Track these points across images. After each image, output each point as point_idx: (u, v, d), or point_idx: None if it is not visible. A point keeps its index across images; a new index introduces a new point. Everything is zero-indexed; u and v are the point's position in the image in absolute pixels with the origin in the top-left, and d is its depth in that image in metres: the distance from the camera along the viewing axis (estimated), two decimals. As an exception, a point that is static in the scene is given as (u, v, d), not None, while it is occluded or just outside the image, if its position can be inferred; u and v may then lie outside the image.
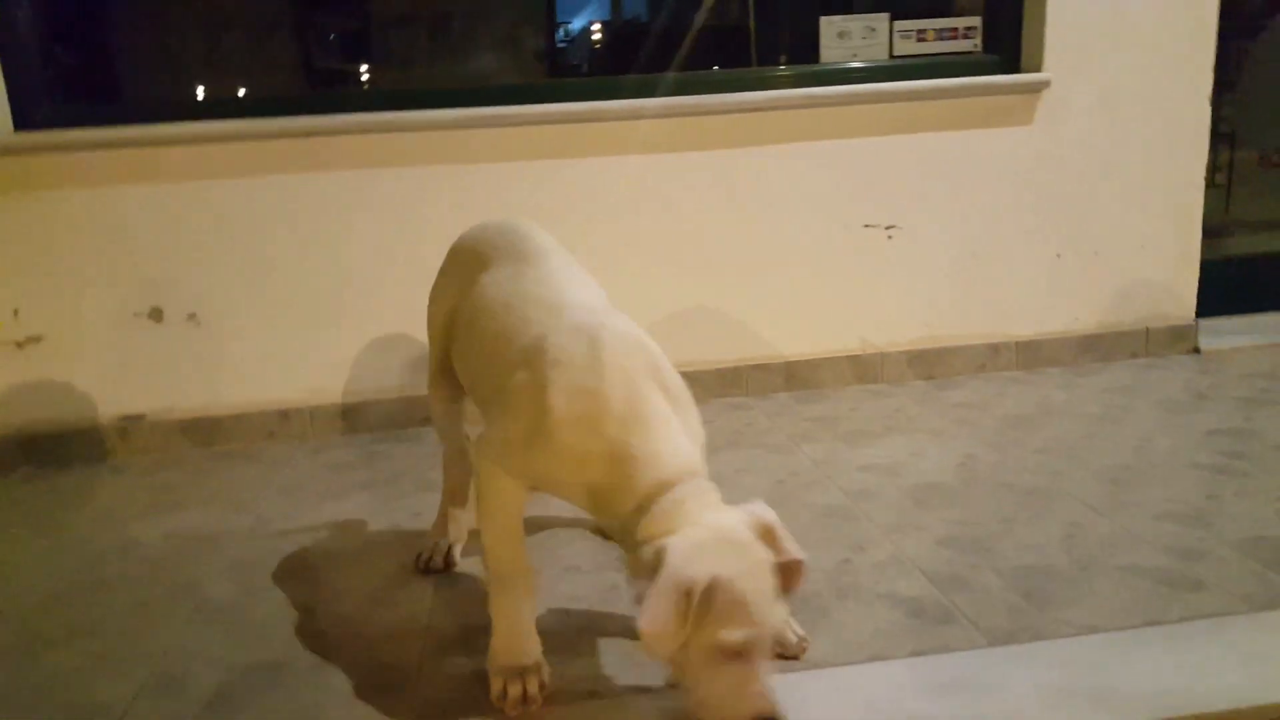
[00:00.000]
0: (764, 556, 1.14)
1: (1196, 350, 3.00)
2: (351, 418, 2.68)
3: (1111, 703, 1.22)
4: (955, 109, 2.79)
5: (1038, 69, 2.78)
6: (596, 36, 3.09)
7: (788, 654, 1.37)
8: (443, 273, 1.66)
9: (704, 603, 1.08)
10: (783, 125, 2.73)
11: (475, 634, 1.50)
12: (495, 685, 1.30)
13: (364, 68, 2.94)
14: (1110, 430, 2.33)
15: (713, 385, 2.83)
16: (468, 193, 2.63)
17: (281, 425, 2.66)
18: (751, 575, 1.11)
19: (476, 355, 1.43)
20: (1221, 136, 4.53)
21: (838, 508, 1.95)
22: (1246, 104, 4.44)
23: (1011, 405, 2.59)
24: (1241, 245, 3.48)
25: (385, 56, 2.96)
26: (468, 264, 1.56)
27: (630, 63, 2.78)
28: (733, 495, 1.94)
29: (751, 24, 2.98)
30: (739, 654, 1.09)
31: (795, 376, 2.86)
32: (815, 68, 2.82)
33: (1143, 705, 1.21)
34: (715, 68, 2.82)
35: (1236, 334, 3.08)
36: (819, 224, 2.80)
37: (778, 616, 1.14)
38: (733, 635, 1.08)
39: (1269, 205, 3.76)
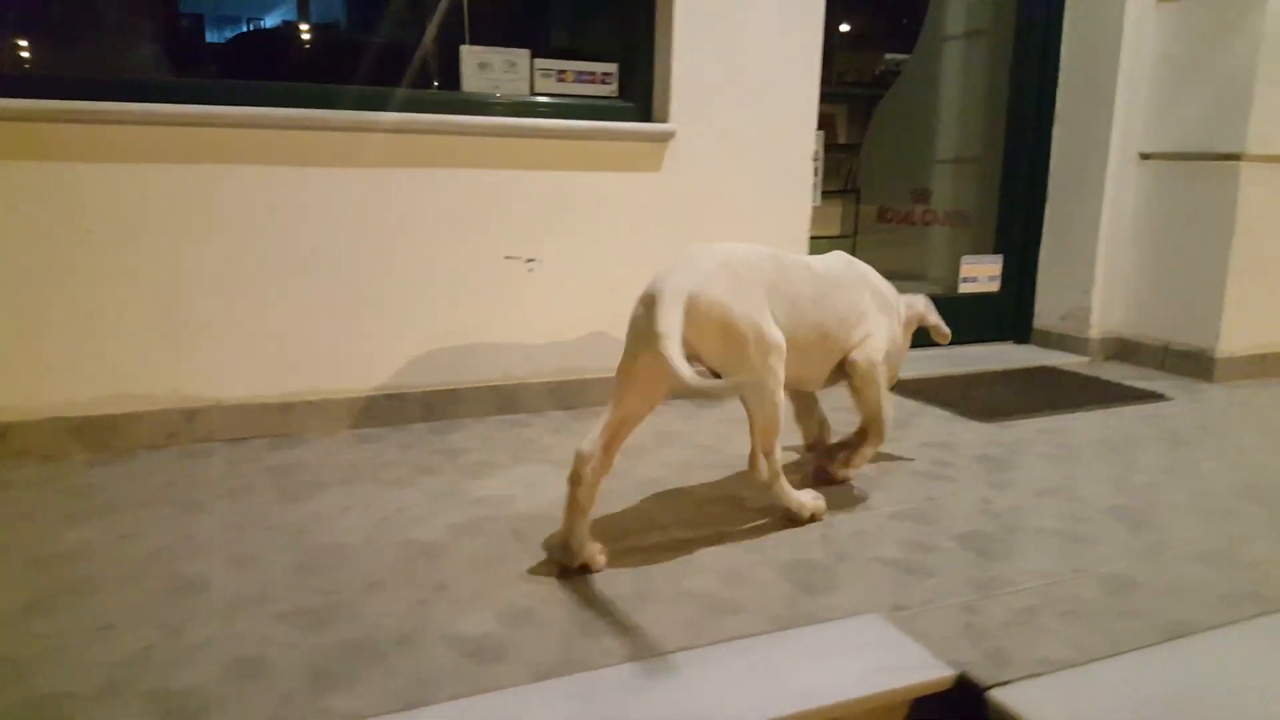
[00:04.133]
0: None
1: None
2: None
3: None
4: (591, 150, 2.91)
5: (665, 119, 2.96)
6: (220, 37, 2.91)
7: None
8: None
9: None
10: (423, 150, 2.71)
11: None
12: None
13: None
14: (714, 460, 2.50)
15: (344, 416, 2.72)
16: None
17: None
18: None
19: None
20: (849, 193, 5.12)
21: (433, 544, 1.93)
22: (869, 163, 5.04)
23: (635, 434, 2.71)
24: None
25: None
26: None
27: (258, 67, 2.63)
28: (326, 535, 1.91)
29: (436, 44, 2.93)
30: None
31: (435, 408, 2.83)
32: (461, 95, 2.83)
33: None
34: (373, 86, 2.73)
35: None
36: (461, 253, 2.80)
37: None
38: None
39: (887, 256, 4.26)
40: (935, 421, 2.92)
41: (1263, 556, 1.97)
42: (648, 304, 1.75)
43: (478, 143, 2.78)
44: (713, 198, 3.07)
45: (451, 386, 2.85)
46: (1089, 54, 3.76)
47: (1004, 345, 4.05)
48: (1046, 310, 4.02)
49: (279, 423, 2.64)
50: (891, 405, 2.27)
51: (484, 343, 2.87)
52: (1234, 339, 3.50)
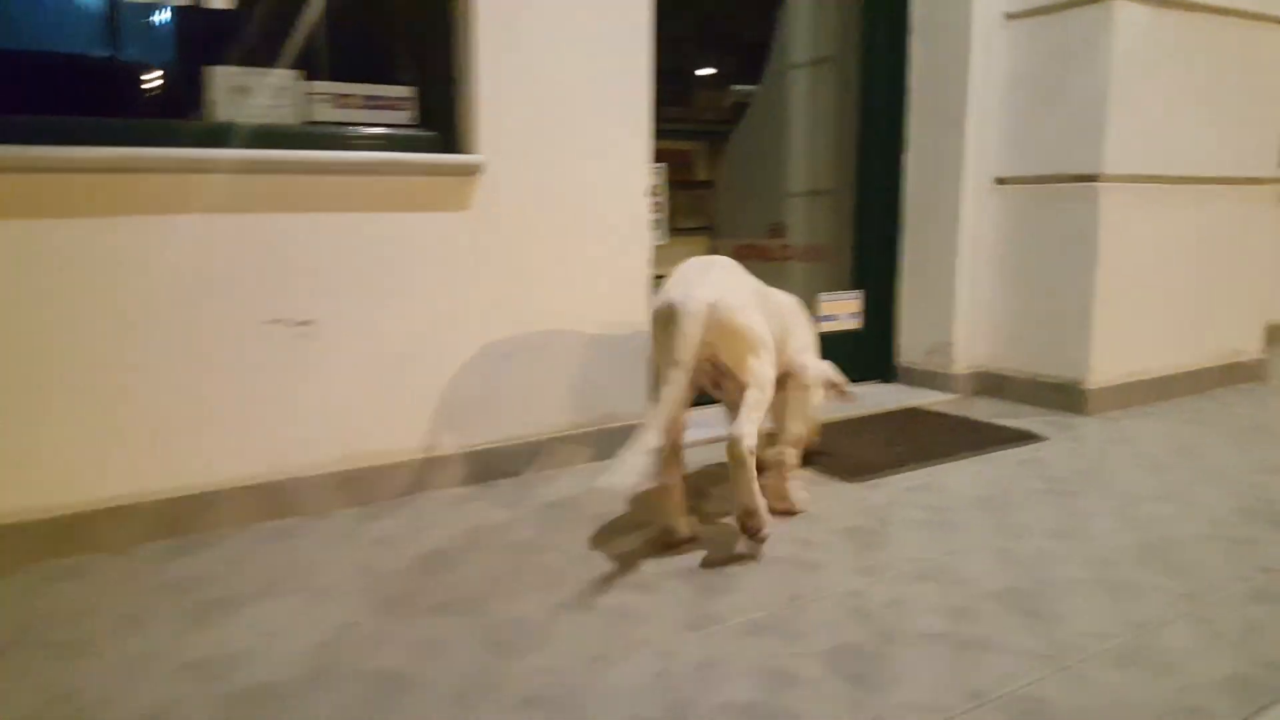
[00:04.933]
0: None
1: (651, 449, 2.87)
2: None
3: None
4: (379, 188, 2.41)
5: (471, 150, 2.49)
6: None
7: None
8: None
9: None
10: (149, 193, 2.14)
11: None
12: None
13: None
14: (536, 562, 2.01)
15: (38, 544, 2.08)
16: None
17: None
18: None
19: None
20: (709, 229, 4.79)
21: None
22: (724, 199, 4.70)
23: (439, 535, 2.20)
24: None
25: None
26: None
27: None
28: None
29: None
30: None
31: (173, 519, 2.22)
32: (204, 124, 2.28)
33: None
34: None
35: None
36: (206, 317, 2.23)
37: None
38: None
39: None
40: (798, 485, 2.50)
41: (1183, 649, 1.62)
42: (667, 319, 2.00)
43: (226, 181, 2.23)
44: (534, 239, 2.62)
45: (199, 490, 2.25)
46: (937, 76, 3.51)
47: (870, 385, 3.72)
48: (910, 346, 3.73)
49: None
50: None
51: (241, 428, 2.30)
52: (1104, 368, 3.27)
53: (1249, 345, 3.76)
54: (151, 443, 2.19)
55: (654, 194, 3.13)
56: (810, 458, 2.70)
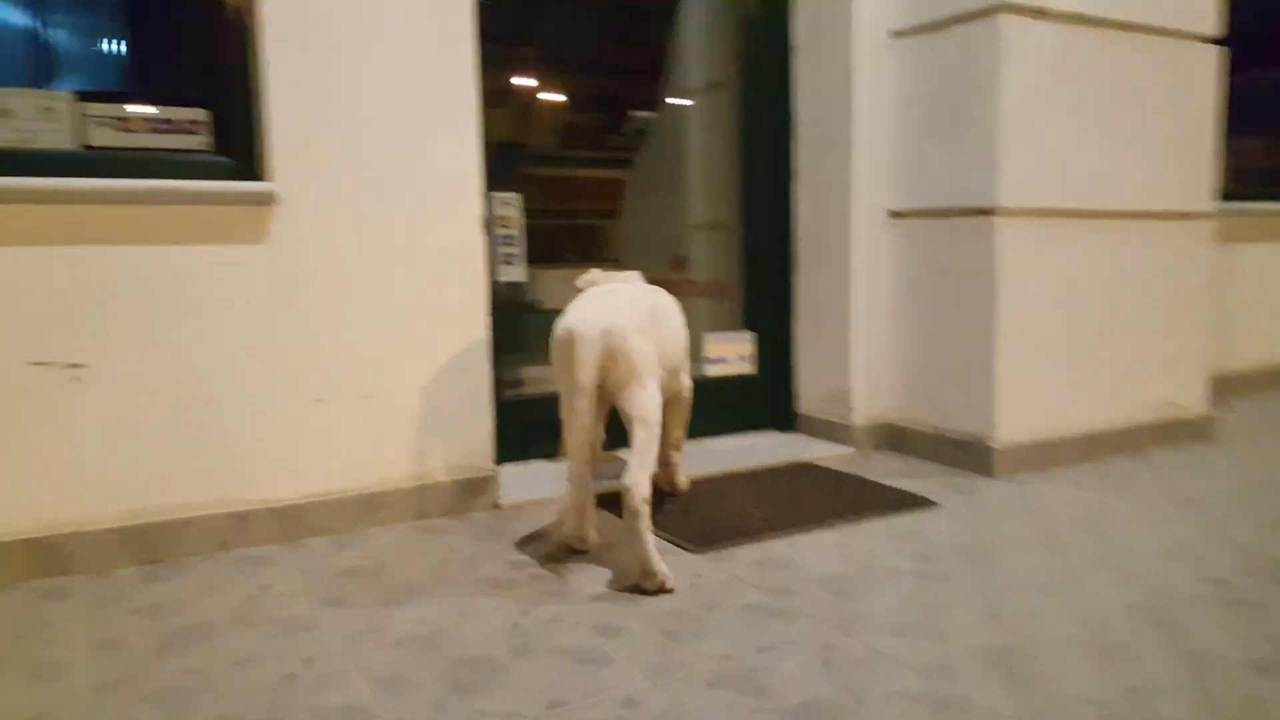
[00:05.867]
0: None
1: (498, 505, 2.62)
2: None
3: None
4: (163, 218, 2.19)
5: (265, 177, 2.26)
6: None
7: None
8: None
9: None
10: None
11: None
12: None
13: None
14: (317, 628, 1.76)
15: None
16: None
17: None
18: None
19: None
20: (611, 261, 4.53)
21: None
22: (627, 229, 4.45)
23: (215, 604, 1.95)
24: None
25: None
26: None
27: None
28: None
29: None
30: None
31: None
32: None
33: None
34: None
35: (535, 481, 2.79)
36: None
37: None
38: None
39: None
40: (619, 559, 2.24)
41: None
42: (564, 344, 2.11)
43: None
44: (342, 274, 2.38)
45: (-51, 548, 2.01)
46: (822, 100, 3.29)
47: (764, 435, 3.47)
48: (808, 393, 3.47)
49: None
50: None
51: (7, 482, 2.06)
52: (1013, 423, 3.00)
53: (1189, 399, 3.46)
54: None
55: (503, 226, 2.91)
56: (665, 520, 2.44)
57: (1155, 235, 3.25)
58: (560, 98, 3.73)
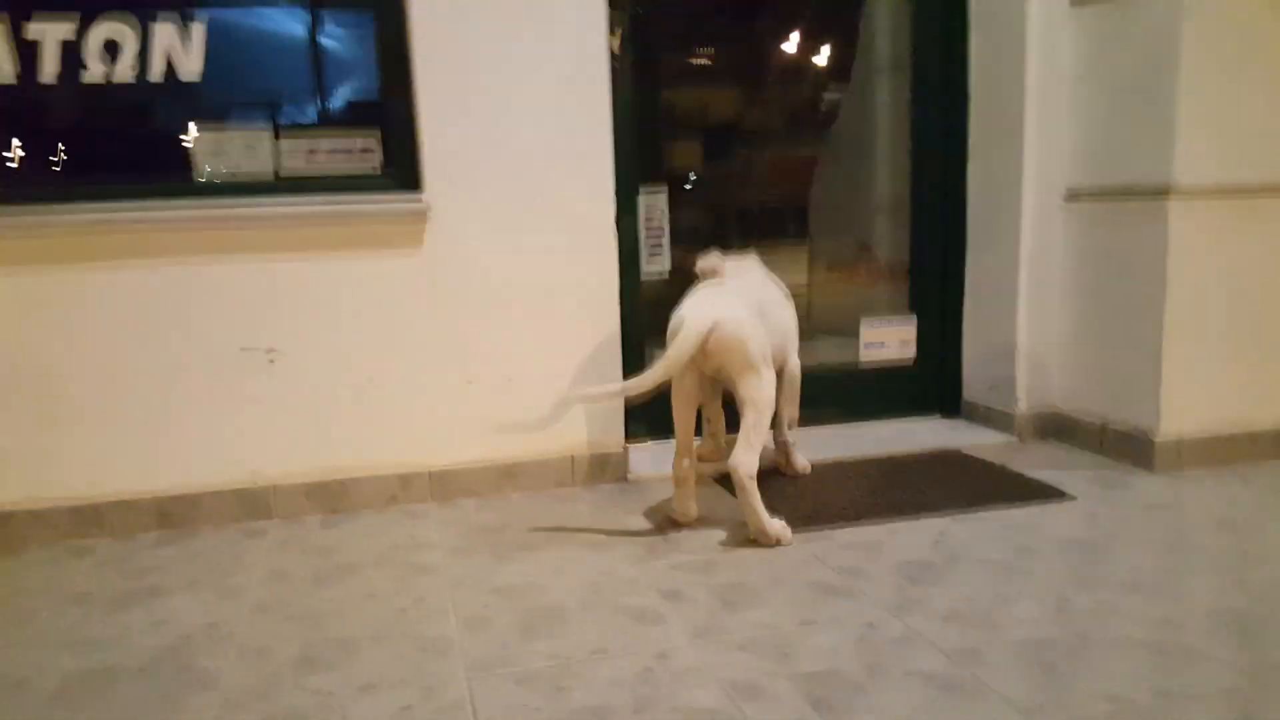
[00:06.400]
0: None
1: (625, 479, 2.86)
2: None
3: None
4: (339, 231, 2.62)
5: (418, 191, 2.63)
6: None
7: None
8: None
9: None
10: (147, 244, 2.49)
11: None
12: None
13: None
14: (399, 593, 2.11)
15: (64, 526, 2.50)
16: None
17: None
18: None
19: None
20: (797, 241, 4.57)
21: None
22: (816, 211, 4.48)
23: (369, 547, 2.37)
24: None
25: None
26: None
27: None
28: None
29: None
30: None
31: (169, 514, 2.57)
32: (184, 184, 2.59)
33: None
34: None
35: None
36: (190, 347, 2.55)
37: None
38: None
39: (838, 310, 3.73)
40: (714, 533, 2.40)
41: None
42: (674, 331, 2.29)
43: (209, 233, 2.54)
44: (484, 276, 2.72)
45: (188, 491, 2.58)
46: (995, 76, 3.16)
47: (927, 421, 3.42)
48: (974, 380, 3.38)
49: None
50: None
51: (222, 441, 2.60)
52: (1180, 417, 2.78)
53: None
54: (150, 448, 2.55)
55: (649, 221, 3.11)
56: (776, 501, 2.56)
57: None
58: (757, 74, 3.82)
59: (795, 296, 2.78)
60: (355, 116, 2.79)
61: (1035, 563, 2.15)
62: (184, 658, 1.83)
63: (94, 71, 2.47)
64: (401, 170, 2.66)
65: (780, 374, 2.68)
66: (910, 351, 3.43)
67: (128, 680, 1.75)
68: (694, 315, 2.28)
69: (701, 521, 2.47)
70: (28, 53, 2.43)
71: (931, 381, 3.45)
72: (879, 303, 3.59)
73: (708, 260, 2.75)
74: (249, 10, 2.67)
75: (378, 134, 2.70)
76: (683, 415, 2.41)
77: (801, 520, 2.45)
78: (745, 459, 2.25)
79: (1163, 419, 2.77)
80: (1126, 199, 2.84)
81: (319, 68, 2.78)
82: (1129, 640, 1.76)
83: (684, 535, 2.40)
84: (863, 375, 3.42)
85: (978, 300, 3.32)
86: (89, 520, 2.52)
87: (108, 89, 2.50)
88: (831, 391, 3.36)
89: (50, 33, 2.44)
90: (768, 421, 2.34)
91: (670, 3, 3.25)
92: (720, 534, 2.38)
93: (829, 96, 4.31)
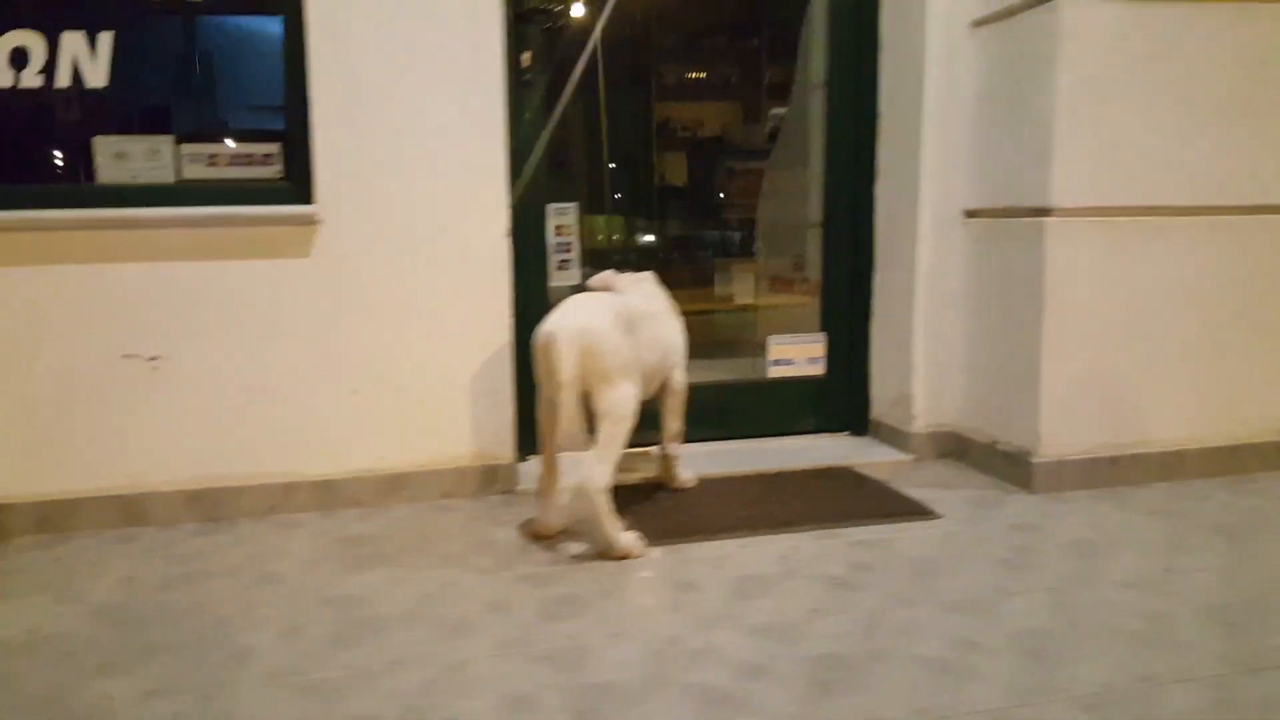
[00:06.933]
0: None
1: (514, 490, 2.88)
2: None
3: None
4: (228, 237, 2.66)
5: (310, 201, 2.67)
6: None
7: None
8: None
9: None
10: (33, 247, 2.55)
11: None
12: None
13: None
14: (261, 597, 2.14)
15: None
16: None
17: None
18: None
19: None
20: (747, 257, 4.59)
21: None
22: (763, 227, 4.49)
23: (229, 557, 2.40)
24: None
25: None
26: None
27: None
28: None
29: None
30: None
31: (47, 519, 2.62)
32: (74, 187, 2.65)
33: None
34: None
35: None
36: (71, 353, 2.60)
37: None
38: None
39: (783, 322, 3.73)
40: (573, 546, 2.41)
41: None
42: (545, 346, 2.29)
43: (101, 236, 2.60)
44: (372, 285, 2.75)
45: (65, 496, 2.63)
46: (898, 95, 3.17)
47: (834, 438, 3.42)
48: (879, 397, 3.38)
49: None
50: None
51: (103, 447, 2.65)
52: (1061, 438, 2.77)
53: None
54: (28, 451, 2.60)
55: (559, 234, 3.14)
56: (641, 513, 2.57)
57: (1257, 233, 2.83)
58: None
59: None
60: (259, 122, 2.83)
61: (868, 579, 2.15)
62: (-2, 658, 1.87)
63: (2, 78, 2.55)
64: (302, 179, 2.70)
65: (664, 388, 2.71)
66: (819, 368, 3.43)
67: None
68: (561, 328, 2.28)
69: (567, 534, 2.48)
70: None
71: (841, 399, 3.44)
72: (799, 319, 3.59)
73: (600, 277, 2.79)
74: (159, 17, 2.73)
75: (279, 143, 2.75)
76: (547, 427, 2.42)
77: (665, 534, 2.47)
78: (595, 471, 2.25)
79: (1042, 439, 2.76)
80: (1012, 217, 2.84)
81: (221, 74, 2.83)
82: (916, 659, 1.75)
83: (541, 548, 2.42)
84: (773, 391, 3.42)
85: (882, 318, 3.32)
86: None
87: (12, 95, 2.56)
88: (740, 406, 3.37)
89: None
90: (624, 435, 2.33)
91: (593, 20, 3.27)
92: (579, 547, 2.39)
93: (774, 112, 4.31)
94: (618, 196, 4.88)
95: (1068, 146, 2.66)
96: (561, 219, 3.21)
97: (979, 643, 1.82)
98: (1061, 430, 2.76)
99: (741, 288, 4.28)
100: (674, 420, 2.79)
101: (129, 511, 2.67)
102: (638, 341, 2.44)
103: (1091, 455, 2.78)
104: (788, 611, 1.98)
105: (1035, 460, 2.76)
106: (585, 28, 3.17)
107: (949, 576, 2.15)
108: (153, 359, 2.66)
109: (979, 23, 2.98)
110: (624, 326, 2.39)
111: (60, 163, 2.73)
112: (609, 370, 2.30)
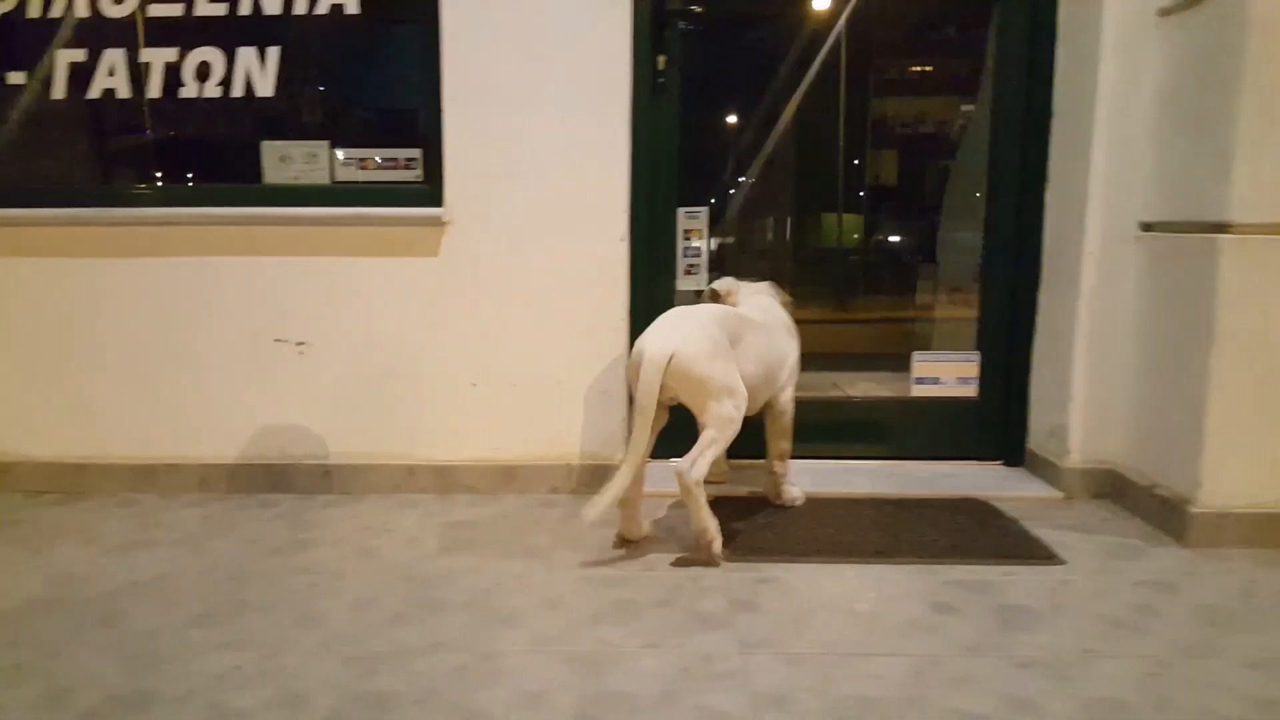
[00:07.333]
0: None
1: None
2: None
3: None
4: (369, 236, 2.87)
5: (441, 205, 2.82)
6: None
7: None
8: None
9: None
10: (210, 240, 2.88)
11: None
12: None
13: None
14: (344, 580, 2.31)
15: (126, 479, 2.94)
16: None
17: None
18: None
19: None
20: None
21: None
22: (945, 233, 4.23)
23: (352, 526, 2.59)
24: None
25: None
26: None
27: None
28: None
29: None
30: None
31: (208, 480, 2.94)
32: (242, 187, 2.95)
33: None
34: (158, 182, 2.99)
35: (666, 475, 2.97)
36: (230, 335, 2.91)
37: None
38: None
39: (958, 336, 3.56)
40: (652, 555, 2.38)
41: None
42: (635, 366, 2.28)
43: (262, 232, 2.89)
44: (493, 285, 2.87)
45: (227, 462, 2.94)
46: (1071, 94, 2.88)
47: (982, 466, 3.15)
48: (1036, 426, 3.08)
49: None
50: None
51: (256, 422, 2.94)
52: (1226, 487, 2.40)
53: None
54: (194, 422, 2.94)
55: (688, 239, 3.13)
56: (734, 526, 2.51)
57: None
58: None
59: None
60: (404, 131, 3.02)
61: (945, 622, 1.97)
62: None
63: (190, 89, 2.89)
64: (437, 182, 2.85)
65: (770, 405, 2.64)
66: (970, 389, 3.19)
67: None
68: (652, 349, 2.26)
69: (651, 541, 2.46)
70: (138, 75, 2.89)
71: (996, 425, 3.17)
72: (944, 337, 3.35)
73: (721, 284, 2.76)
74: (318, 32, 2.98)
75: (421, 149, 2.92)
76: (639, 438, 2.33)
77: (748, 550, 2.39)
78: (691, 464, 2.24)
79: (1203, 487, 2.40)
80: (1186, 234, 2.50)
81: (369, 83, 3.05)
82: (954, 712, 1.59)
83: (626, 552, 2.41)
84: (918, 411, 3.21)
85: (1044, 340, 3.02)
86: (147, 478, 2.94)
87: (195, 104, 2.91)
88: (882, 423, 3.20)
89: (157, 56, 2.89)
90: (725, 441, 2.30)
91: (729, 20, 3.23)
92: (658, 556, 2.36)
93: (964, 109, 4.05)
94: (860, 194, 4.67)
95: (1252, 153, 2.31)
96: (692, 223, 3.18)
97: (1039, 706, 1.61)
98: (1226, 478, 2.39)
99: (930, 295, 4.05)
100: (780, 440, 2.70)
101: (275, 479, 2.94)
102: (740, 354, 2.38)
103: (1260, 509, 2.39)
104: (840, 646, 1.85)
105: (1192, 510, 2.41)
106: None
107: (1037, 630, 1.92)
108: (299, 344, 2.91)
109: (1166, 11, 2.64)
110: (726, 339, 2.34)
111: (232, 165, 3.03)
112: (701, 390, 2.28)
